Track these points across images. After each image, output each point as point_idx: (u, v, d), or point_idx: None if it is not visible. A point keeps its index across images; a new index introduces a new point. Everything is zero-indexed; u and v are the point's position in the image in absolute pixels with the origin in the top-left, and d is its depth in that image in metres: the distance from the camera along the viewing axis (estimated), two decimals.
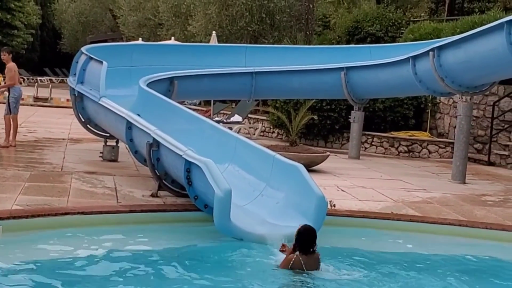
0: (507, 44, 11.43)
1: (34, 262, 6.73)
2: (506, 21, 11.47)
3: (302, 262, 6.60)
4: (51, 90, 32.57)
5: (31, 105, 29.51)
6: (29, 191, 9.43)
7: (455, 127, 15.40)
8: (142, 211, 8.62)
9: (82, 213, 8.11)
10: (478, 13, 21.85)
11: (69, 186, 10.06)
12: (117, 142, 13.14)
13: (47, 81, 50.05)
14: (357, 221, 9.06)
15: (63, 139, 16.52)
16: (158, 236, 7.95)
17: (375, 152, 18.94)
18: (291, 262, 6.64)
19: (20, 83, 14.63)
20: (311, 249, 6.71)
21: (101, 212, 8.30)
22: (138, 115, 10.66)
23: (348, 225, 8.89)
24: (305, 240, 6.72)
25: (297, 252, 6.69)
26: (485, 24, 13.57)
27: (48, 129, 18.55)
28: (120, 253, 7.28)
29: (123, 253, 7.28)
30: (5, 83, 14.71)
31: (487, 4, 28.83)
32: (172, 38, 27.45)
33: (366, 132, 18.73)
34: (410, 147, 18.75)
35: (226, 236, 7.60)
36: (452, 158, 14.71)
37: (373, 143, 19.19)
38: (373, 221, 9.11)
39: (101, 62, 12.46)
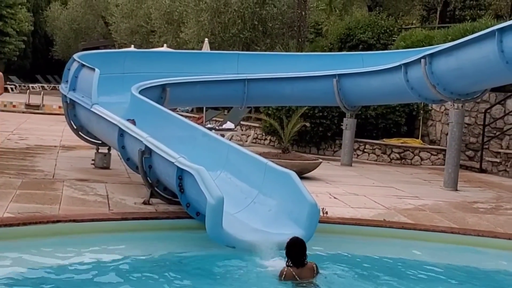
0: (498, 51, 11.46)
1: (25, 270, 6.71)
2: (498, 29, 11.51)
3: (294, 274, 6.58)
4: (43, 97, 32.50)
5: (23, 112, 29.42)
6: (20, 198, 9.39)
7: (447, 134, 15.43)
8: (134, 218, 8.59)
9: (74, 220, 8.08)
10: (469, 21, 21.93)
11: (61, 193, 10.02)
12: (109, 149, 13.11)
13: (39, 88, 50.00)
14: (350, 228, 9.04)
15: (55, 146, 16.47)
16: (150, 243, 7.93)
17: (367, 159, 18.97)
18: (283, 276, 6.62)
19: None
20: (303, 261, 6.67)
21: (92, 220, 8.26)
22: (133, 119, 10.65)
23: (341, 232, 8.87)
24: (295, 252, 6.69)
25: (289, 265, 6.66)
26: (476, 32, 13.62)
27: (39, 136, 18.49)
28: (112, 261, 7.26)
29: (114, 261, 7.26)
30: None
31: (478, 11, 28.96)
32: (165, 45, 27.48)
33: (358, 139, 18.76)
34: (402, 154, 18.78)
35: (218, 244, 7.58)
36: (444, 165, 14.74)
37: (365, 150, 19.21)
38: (365, 228, 9.11)
39: (93, 69, 12.42)
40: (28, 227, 7.67)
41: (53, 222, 7.95)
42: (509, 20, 15.36)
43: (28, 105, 31.37)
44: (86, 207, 9.16)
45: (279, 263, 6.97)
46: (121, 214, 8.76)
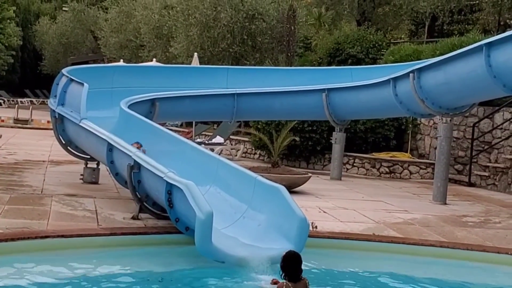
0: (486, 66, 11.52)
1: (14, 285, 6.66)
2: (485, 44, 11.59)
3: None
4: (31, 111, 32.42)
5: (11, 127, 29.30)
6: (8, 214, 9.34)
7: (435, 148, 15.49)
8: (123, 234, 8.56)
9: (62, 236, 8.05)
10: (457, 35, 22.05)
11: (49, 208, 9.98)
12: (97, 164, 13.07)
13: (28, 102, 49.83)
14: (339, 242, 9.05)
15: (44, 161, 16.41)
16: (139, 259, 7.90)
17: (357, 173, 18.98)
18: None
19: None
20: (299, 275, 6.58)
21: (81, 235, 8.24)
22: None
23: (330, 247, 8.88)
24: (292, 266, 6.61)
25: (285, 281, 6.57)
26: (464, 46, 13.70)
27: (28, 151, 18.41)
28: (101, 277, 7.23)
29: (104, 277, 7.23)
30: None
31: (466, 26, 29.13)
32: (154, 59, 27.52)
33: (348, 153, 18.78)
34: (391, 168, 18.82)
35: (207, 259, 7.56)
36: (433, 179, 14.78)
37: (354, 164, 19.24)
38: (355, 242, 9.11)
39: (82, 84, 12.41)
40: (16, 242, 7.64)
41: (42, 237, 7.92)
42: (497, 34, 15.45)
43: (16, 120, 31.28)
44: (75, 223, 9.12)
45: (269, 278, 6.94)
46: (110, 230, 8.73)
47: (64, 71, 13.74)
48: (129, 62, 34.70)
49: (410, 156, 19.46)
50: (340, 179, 17.01)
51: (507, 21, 26.29)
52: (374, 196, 14.17)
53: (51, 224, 8.87)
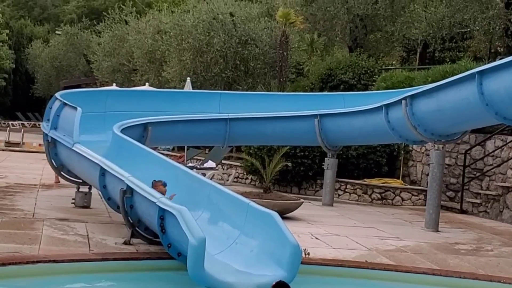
0: (478, 94, 11.57)
1: None
2: (478, 72, 11.65)
3: None
4: (23, 134, 32.35)
5: (3, 150, 29.23)
6: None
7: (427, 174, 15.52)
8: (114, 259, 8.50)
9: (54, 261, 7.97)
10: (449, 63, 22.20)
11: (41, 233, 9.91)
12: (89, 188, 13.04)
13: (19, 125, 49.78)
14: (332, 269, 8.99)
15: (35, 184, 16.34)
16: (131, 284, 7.85)
17: (349, 199, 18.98)
18: None
19: None
20: None
21: (73, 260, 8.17)
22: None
23: (323, 273, 8.83)
24: None
25: None
26: (456, 73, 13.80)
27: (19, 175, 18.34)
28: None
29: None
30: None
31: (457, 53, 29.34)
32: (147, 83, 27.55)
33: (340, 179, 18.79)
34: (383, 195, 18.83)
35: (200, 285, 7.51)
36: (425, 205, 14.78)
37: (346, 190, 19.24)
38: (347, 269, 9.06)
39: (75, 108, 12.42)
40: (7, 267, 7.55)
41: (33, 262, 7.84)
42: (488, 62, 15.57)
43: (8, 143, 31.19)
44: (66, 247, 9.07)
45: None
46: (101, 255, 8.67)
47: (57, 95, 13.74)
48: (122, 86, 34.79)
49: (402, 182, 19.49)
50: (332, 205, 17.00)
51: (498, 48, 26.49)
52: (366, 222, 14.16)
53: (43, 248, 8.81)
